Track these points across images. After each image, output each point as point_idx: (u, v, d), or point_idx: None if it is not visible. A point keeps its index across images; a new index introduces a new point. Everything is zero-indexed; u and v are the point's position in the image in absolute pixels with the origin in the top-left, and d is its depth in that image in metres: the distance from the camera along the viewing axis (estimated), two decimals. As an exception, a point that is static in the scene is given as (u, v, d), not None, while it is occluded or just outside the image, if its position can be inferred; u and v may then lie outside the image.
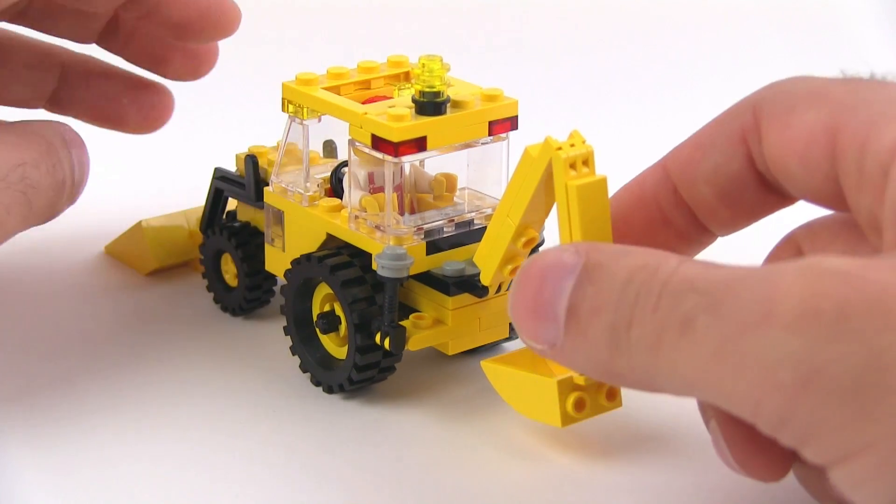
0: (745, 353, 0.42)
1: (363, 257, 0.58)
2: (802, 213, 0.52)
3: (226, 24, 0.65)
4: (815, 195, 0.48)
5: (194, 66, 0.69)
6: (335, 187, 0.63)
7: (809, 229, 0.51)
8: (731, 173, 0.50)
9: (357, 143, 0.58)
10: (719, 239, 0.54)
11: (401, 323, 0.58)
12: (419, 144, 0.57)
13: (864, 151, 0.45)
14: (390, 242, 0.57)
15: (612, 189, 0.52)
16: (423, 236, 0.58)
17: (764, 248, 0.53)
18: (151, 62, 0.70)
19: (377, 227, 0.58)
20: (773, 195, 0.51)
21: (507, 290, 0.59)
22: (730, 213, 0.51)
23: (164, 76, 0.70)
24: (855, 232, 0.49)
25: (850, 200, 0.47)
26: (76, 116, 0.70)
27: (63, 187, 0.59)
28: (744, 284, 0.42)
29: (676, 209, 0.52)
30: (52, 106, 0.70)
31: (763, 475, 0.47)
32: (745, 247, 0.57)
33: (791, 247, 0.51)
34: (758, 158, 0.50)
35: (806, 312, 0.41)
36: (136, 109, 0.70)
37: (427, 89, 0.57)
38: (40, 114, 0.68)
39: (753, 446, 0.47)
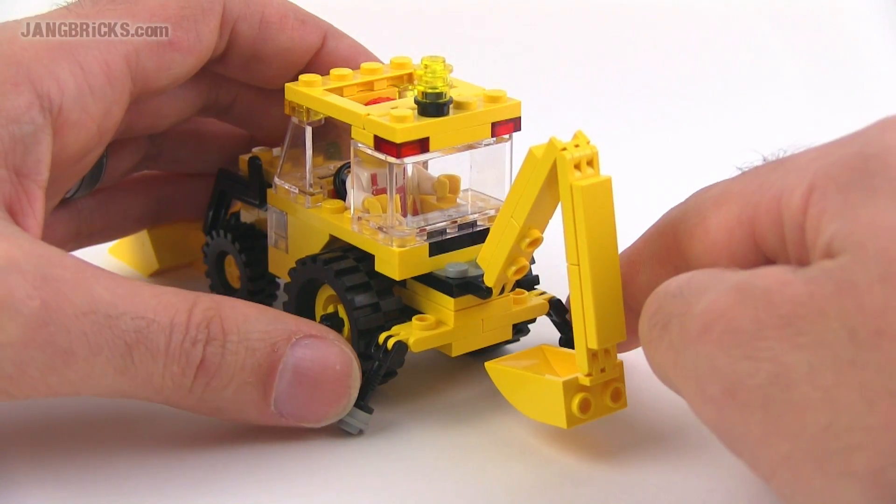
0: (687, 365, 0.44)
1: (368, 261, 0.58)
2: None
3: None
4: None
5: None
6: (338, 189, 0.62)
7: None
8: None
9: (359, 145, 0.58)
10: None
11: (403, 325, 0.58)
12: (421, 146, 0.56)
13: (781, 222, 0.46)
14: (393, 244, 0.57)
15: (617, 189, 0.52)
16: (426, 237, 0.58)
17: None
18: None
19: (380, 229, 0.58)
20: None
21: (511, 291, 0.59)
22: None
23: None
24: None
25: None
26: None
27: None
28: (704, 295, 0.45)
29: None
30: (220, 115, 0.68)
31: None
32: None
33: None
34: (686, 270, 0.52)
35: (729, 329, 0.43)
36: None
37: (429, 90, 0.57)
38: None
39: None
